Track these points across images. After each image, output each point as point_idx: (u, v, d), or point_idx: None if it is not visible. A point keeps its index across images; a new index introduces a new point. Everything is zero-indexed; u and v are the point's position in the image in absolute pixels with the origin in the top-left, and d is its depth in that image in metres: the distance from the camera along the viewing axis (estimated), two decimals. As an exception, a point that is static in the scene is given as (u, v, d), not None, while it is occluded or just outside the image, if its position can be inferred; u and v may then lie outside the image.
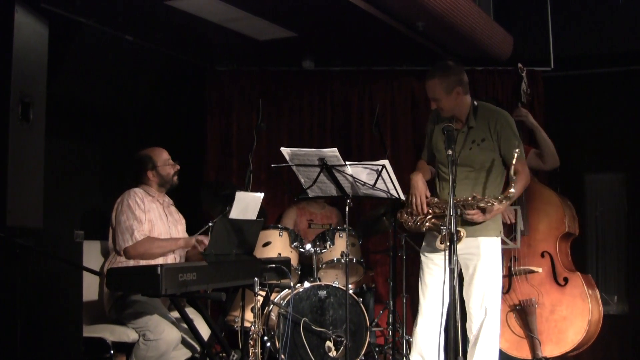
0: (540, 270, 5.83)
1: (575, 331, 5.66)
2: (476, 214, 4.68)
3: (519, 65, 6.21)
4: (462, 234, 4.49)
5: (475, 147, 4.79)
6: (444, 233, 4.54)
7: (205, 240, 5.29)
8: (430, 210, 4.83)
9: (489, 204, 4.60)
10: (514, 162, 4.54)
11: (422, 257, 5.10)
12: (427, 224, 4.82)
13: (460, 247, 4.79)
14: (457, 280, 4.27)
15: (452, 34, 6.72)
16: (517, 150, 4.59)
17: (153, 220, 5.34)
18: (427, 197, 4.83)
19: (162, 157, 5.50)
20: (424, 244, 5.12)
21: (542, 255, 5.86)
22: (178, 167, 5.56)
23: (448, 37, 6.86)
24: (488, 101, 5.23)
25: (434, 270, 5.00)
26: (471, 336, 4.92)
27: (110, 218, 5.32)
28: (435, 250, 4.88)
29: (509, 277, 5.90)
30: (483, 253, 4.83)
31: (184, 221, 5.72)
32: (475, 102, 4.94)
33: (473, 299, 4.89)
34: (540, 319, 5.74)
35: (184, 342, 5.14)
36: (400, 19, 6.33)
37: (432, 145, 5.06)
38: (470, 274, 4.91)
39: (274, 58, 7.53)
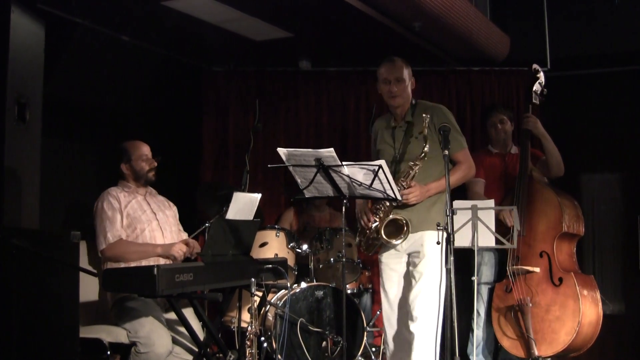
0: (537, 270, 5.84)
1: (566, 331, 5.67)
2: (409, 193, 4.78)
3: (534, 66, 6.21)
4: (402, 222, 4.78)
5: (414, 140, 4.85)
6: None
7: (186, 251, 5.25)
8: (375, 218, 4.92)
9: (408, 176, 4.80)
10: (450, 152, 4.69)
11: (380, 263, 5.15)
12: (380, 234, 4.88)
13: (406, 246, 4.83)
14: (454, 281, 4.27)
15: (449, 34, 6.73)
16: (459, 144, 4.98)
17: (132, 214, 5.29)
18: (370, 208, 4.99)
19: (138, 152, 5.44)
20: (384, 250, 5.14)
21: (541, 255, 5.87)
22: (155, 163, 5.49)
23: (444, 37, 6.86)
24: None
25: (392, 276, 5.05)
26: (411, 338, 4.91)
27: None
28: (388, 249, 5.03)
29: (510, 276, 5.91)
30: (427, 250, 4.85)
31: (175, 208, 5.70)
32: (414, 101, 5.10)
33: (417, 306, 4.88)
34: (537, 318, 5.75)
35: (180, 343, 5.13)
36: (396, 19, 6.33)
37: (377, 148, 5.18)
38: (414, 271, 4.93)
39: (270, 58, 7.53)
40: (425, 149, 4.75)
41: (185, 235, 5.66)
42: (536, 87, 6.17)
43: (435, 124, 4.85)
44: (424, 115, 4.78)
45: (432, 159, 4.85)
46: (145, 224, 5.32)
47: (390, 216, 4.82)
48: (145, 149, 5.48)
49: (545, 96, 6.29)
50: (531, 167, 6.11)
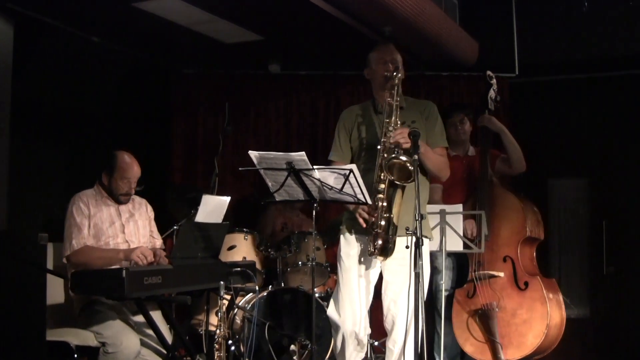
0: (502, 274, 5.89)
1: (535, 334, 5.72)
2: (399, 136, 4.47)
3: (488, 73, 6.30)
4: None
5: (406, 127, 4.62)
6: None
7: (149, 254, 5.07)
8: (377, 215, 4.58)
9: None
10: (433, 146, 4.67)
11: (346, 263, 4.88)
12: (386, 174, 4.45)
13: (397, 251, 4.62)
14: (422, 285, 4.26)
15: (419, 39, 6.76)
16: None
17: (100, 225, 5.20)
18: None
19: (123, 172, 5.28)
20: (349, 248, 4.89)
21: (504, 260, 5.92)
22: (133, 191, 5.36)
23: (414, 42, 6.89)
24: None
25: (358, 278, 4.81)
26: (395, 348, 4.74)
27: None
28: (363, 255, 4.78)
29: (473, 281, 5.95)
30: (426, 259, 4.70)
31: (152, 213, 5.62)
32: None
33: (402, 311, 4.68)
34: (502, 322, 5.80)
35: (148, 346, 5.10)
36: (367, 23, 6.35)
37: (352, 138, 4.94)
38: (402, 281, 4.66)
39: (240, 61, 7.53)
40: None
41: (158, 242, 5.60)
42: (491, 93, 6.27)
43: (427, 116, 4.85)
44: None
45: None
46: (111, 238, 5.23)
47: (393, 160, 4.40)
48: (131, 173, 5.30)
49: (500, 102, 6.38)
50: (491, 173, 6.17)
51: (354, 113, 5.04)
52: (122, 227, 5.32)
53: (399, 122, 4.58)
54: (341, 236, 4.95)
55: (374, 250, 4.54)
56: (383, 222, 4.50)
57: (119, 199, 5.34)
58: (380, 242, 4.51)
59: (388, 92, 4.65)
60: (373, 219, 4.53)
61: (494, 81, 6.29)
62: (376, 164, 4.56)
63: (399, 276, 4.70)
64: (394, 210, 4.50)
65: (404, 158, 4.34)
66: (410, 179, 4.32)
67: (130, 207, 5.47)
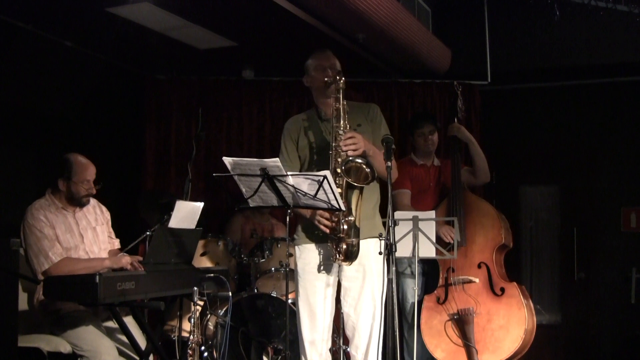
0: (477, 280, 5.92)
1: (512, 339, 5.77)
2: (350, 140, 4.46)
3: (455, 83, 6.38)
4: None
5: (354, 132, 4.61)
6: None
7: (129, 259, 5.05)
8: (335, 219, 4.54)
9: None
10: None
11: (304, 274, 4.79)
12: (342, 176, 4.47)
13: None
14: (396, 290, 4.28)
15: (392, 46, 6.79)
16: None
17: (60, 236, 5.03)
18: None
19: (81, 175, 5.12)
20: (304, 262, 4.79)
21: (479, 266, 5.96)
22: (94, 191, 5.20)
23: (388, 49, 6.93)
24: None
25: (318, 288, 4.74)
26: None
27: (20, 237, 4.97)
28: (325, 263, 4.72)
29: (445, 287, 5.98)
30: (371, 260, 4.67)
31: (108, 214, 5.48)
32: None
33: (362, 316, 4.69)
34: (478, 328, 5.83)
35: (121, 352, 5.07)
36: (340, 30, 6.37)
37: (299, 146, 4.95)
38: (360, 286, 4.70)
39: (213, 67, 7.52)
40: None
41: (117, 243, 5.50)
42: (459, 102, 6.35)
43: (372, 119, 4.84)
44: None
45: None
46: (72, 250, 5.10)
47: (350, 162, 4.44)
48: (90, 173, 5.15)
49: (464, 112, 6.47)
50: (463, 181, 6.21)
51: (298, 121, 5.05)
52: (81, 237, 5.20)
53: (348, 126, 4.58)
54: (296, 247, 4.86)
55: (339, 256, 4.51)
56: (345, 226, 4.48)
57: (81, 202, 5.19)
58: (344, 246, 4.48)
59: (334, 97, 4.66)
60: (334, 224, 4.52)
61: (460, 91, 6.37)
62: (330, 168, 4.54)
63: (356, 282, 4.70)
64: (354, 212, 4.48)
65: (360, 160, 4.41)
66: (367, 181, 4.39)
67: (86, 212, 5.32)
